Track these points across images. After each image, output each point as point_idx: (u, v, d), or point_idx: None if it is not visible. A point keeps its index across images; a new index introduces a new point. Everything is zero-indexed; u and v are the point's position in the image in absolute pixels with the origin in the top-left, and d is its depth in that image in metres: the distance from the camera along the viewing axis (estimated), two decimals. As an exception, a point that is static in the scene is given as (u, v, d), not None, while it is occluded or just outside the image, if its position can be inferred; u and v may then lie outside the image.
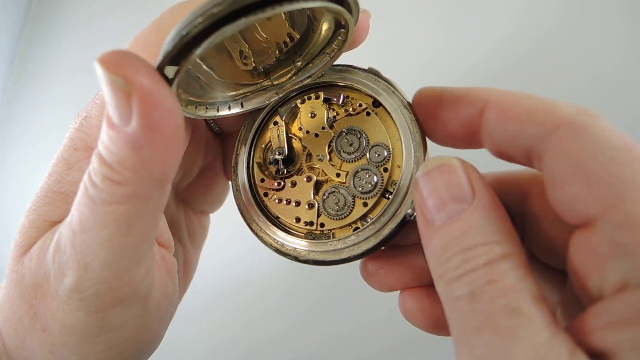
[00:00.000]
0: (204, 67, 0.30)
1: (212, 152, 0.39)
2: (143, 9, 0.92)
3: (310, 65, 0.32)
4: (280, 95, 0.33)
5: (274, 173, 0.33)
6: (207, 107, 0.31)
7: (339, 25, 0.29)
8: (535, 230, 0.28)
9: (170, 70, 0.23)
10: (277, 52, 0.32)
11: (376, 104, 0.32)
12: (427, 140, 0.30)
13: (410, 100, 0.31)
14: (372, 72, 0.33)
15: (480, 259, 0.21)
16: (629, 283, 0.20)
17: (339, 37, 0.30)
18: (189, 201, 0.40)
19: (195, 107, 0.30)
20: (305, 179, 0.32)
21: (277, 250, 0.31)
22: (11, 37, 0.93)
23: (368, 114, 0.32)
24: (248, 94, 0.33)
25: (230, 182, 0.34)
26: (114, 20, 0.90)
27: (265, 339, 0.64)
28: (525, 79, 0.65)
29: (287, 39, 0.32)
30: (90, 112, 0.27)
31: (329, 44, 0.31)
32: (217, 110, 0.32)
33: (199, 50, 0.21)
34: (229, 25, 0.21)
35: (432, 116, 0.29)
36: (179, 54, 0.22)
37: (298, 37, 0.31)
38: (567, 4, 0.68)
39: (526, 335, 0.20)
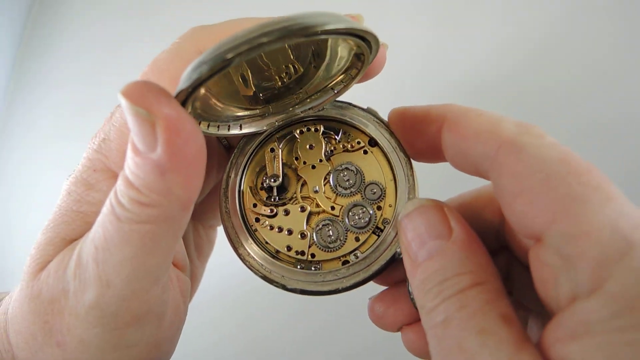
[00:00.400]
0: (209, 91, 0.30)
1: (224, 168, 0.39)
2: (144, 14, 0.90)
3: (313, 97, 0.33)
4: (279, 124, 0.34)
5: (264, 199, 0.33)
6: (209, 124, 0.31)
7: (354, 63, 0.30)
8: (514, 243, 0.30)
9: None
10: (280, 80, 0.33)
11: (372, 143, 0.34)
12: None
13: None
14: (369, 112, 0.34)
15: (453, 289, 0.23)
16: (577, 295, 0.21)
17: (349, 74, 0.31)
18: (198, 217, 0.39)
19: (200, 123, 0.30)
20: (299, 209, 0.32)
21: (264, 277, 0.31)
22: (11, 41, 0.90)
23: (365, 152, 0.33)
24: (247, 117, 0.33)
25: (219, 206, 0.33)
26: (114, 27, 0.88)
27: (260, 335, 0.64)
28: (521, 83, 0.68)
29: (292, 70, 0.32)
30: (108, 134, 0.27)
31: (336, 79, 0.32)
32: (218, 129, 0.31)
33: (210, 81, 0.23)
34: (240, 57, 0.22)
35: (402, 135, 0.31)
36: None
37: (302, 70, 0.32)
38: (565, 9, 0.72)
39: (492, 352, 0.21)
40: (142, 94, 0.21)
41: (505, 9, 0.75)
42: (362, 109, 0.34)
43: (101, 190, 0.26)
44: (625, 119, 0.64)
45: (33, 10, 0.95)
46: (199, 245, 0.40)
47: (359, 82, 0.32)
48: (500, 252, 0.32)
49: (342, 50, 0.30)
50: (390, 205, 0.32)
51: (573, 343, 0.20)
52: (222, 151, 0.37)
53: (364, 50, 0.27)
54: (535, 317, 0.31)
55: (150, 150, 0.21)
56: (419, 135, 0.30)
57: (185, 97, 0.24)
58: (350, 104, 0.34)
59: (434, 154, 0.30)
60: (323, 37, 0.23)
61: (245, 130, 0.33)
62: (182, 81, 0.23)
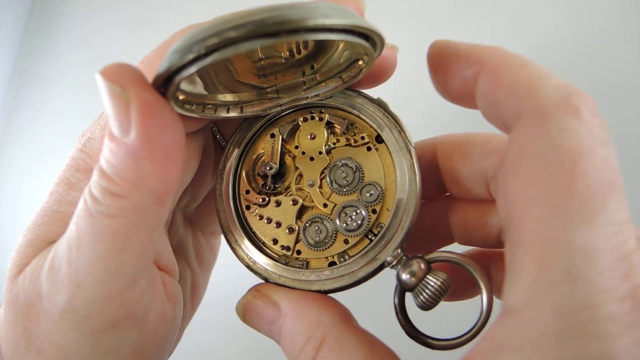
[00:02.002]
0: (208, 70, 0.28)
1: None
2: (147, 16, 0.89)
3: (322, 84, 0.31)
4: (283, 108, 0.32)
5: (259, 186, 0.32)
6: (204, 107, 0.29)
7: (360, 58, 0.28)
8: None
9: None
10: (288, 63, 0.31)
11: (379, 139, 0.31)
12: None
13: (413, 140, 0.30)
14: (380, 103, 0.31)
15: (307, 357, 0.25)
16: (507, 308, 0.20)
17: (358, 65, 0.29)
18: (197, 223, 0.39)
19: (192, 106, 0.28)
20: (291, 202, 0.31)
21: (248, 267, 0.30)
22: (13, 43, 0.92)
23: (369, 149, 0.31)
24: (250, 100, 0.32)
25: (214, 187, 0.32)
26: (118, 33, 0.87)
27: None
28: None
29: (299, 54, 0.30)
30: (93, 133, 0.27)
31: (346, 69, 0.30)
32: (215, 112, 0.30)
33: (192, 70, 0.21)
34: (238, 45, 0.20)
35: (438, 71, 0.28)
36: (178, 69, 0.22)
37: (312, 49, 0.30)
38: (568, 9, 0.67)
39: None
40: (118, 73, 0.20)
41: (508, 11, 0.71)
42: (372, 100, 0.31)
43: (82, 190, 0.25)
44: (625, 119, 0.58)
45: (34, 11, 0.95)
46: (200, 254, 0.39)
47: (367, 86, 0.30)
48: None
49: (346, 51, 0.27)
50: (387, 210, 0.30)
51: None
52: (219, 150, 0.36)
53: (368, 52, 0.25)
54: None
55: (124, 134, 0.21)
56: (455, 75, 0.26)
57: (166, 82, 0.23)
58: (360, 92, 0.32)
59: (466, 98, 0.26)
60: (308, 36, 0.20)
61: (247, 113, 0.32)
62: (161, 66, 0.22)
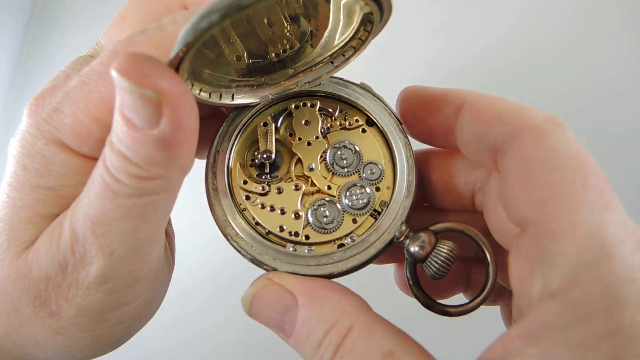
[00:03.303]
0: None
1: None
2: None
3: (311, 70, 0.31)
4: (273, 97, 0.32)
5: (254, 176, 0.31)
6: (200, 90, 0.28)
7: (357, 33, 0.28)
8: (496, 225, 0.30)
9: None
10: (275, 51, 0.31)
11: (370, 122, 0.32)
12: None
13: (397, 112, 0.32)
14: (364, 87, 0.32)
15: (331, 347, 0.24)
16: (547, 294, 0.21)
17: (351, 46, 0.29)
18: None
19: (192, 87, 0.27)
20: (293, 187, 0.30)
21: (254, 260, 0.29)
22: (14, 46, 0.88)
23: (364, 130, 0.32)
24: (240, 87, 0.31)
25: (205, 182, 0.31)
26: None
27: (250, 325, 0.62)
28: (520, 83, 0.68)
29: (287, 41, 0.30)
30: (61, 105, 0.25)
31: (337, 50, 0.30)
32: (210, 96, 0.29)
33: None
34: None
35: (413, 113, 0.30)
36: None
37: (298, 44, 0.30)
38: (565, 9, 0.72)
39: None
40: (143, 72, 0.20)
41: (504, 11, 0.76)
42: (356, 85, 0.32)
43: (61, 164, 0.25)
44: (624, 118, 0.65)
45: (34, 15, 0.91)
46: None
47: None
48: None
49: (347, 15, 0.28)
50: (388, 188, 0.30)
51: (532, 347, 0.20)
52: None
53: (374, 13, 0.26)
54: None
55: (152, 127, 0.20)
56: (432, 116, 0.29)
57: (180, 60, 0.23)
58: (346, 80, 0.33)
59: (445, 137, 0.29)
60: None
61: (237, 101, 0.31)
62: (178, 42, 0.21)
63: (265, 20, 0.29)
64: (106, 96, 0.24)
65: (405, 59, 0.73)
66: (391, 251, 0.30)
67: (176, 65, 0.23)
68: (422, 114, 0.30)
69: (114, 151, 0.22)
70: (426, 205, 0.35)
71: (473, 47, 0.73)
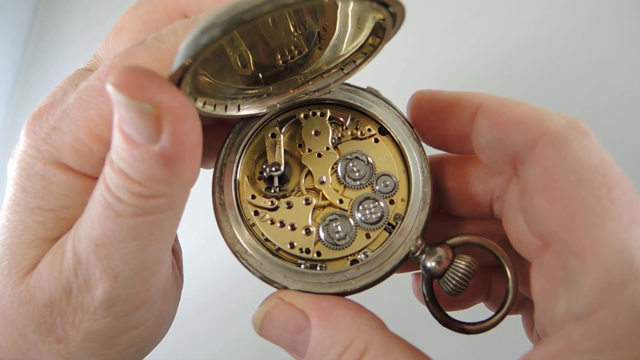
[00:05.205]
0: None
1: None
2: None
3: (320, 78, 0.30)
4: (281, 106, 0.30)
5: (263, 189, 0.30)
6: (204, 103, 0.27)
7: (368, 41, 0.27)
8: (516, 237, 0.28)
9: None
10: (282, 59, 0.29)
11: (382, 131, 0.31)
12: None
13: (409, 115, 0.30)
14: (370, 91, 0.31)
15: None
16: (571, 315, 0.20)
17: (362, 52, 0.28)
18: None
19: (195, 101, 0.26)
20: (303, 201, 0.29)
21: (264, 277, 0.28)
22: (16, 49, 0.88)
23: (376, 140, 0.30)
24: (246, 98, 0.30)
25: (212, 197, 0.29)
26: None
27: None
28: (536, 89, 0.66)
29: (295, 47, 0.29)
30: (60, 123, 0.24)
31: (347, 57, 0.29)
32: (214, 109, 0.28)
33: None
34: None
35: (425, 118, 0.29)
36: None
37: (306, 49, 0.29)
38: (572, 14, 0.70)
39: None
40: (141, 86, 0.19)
41: (510, 16, 0.74)
42: (362, 89, 0.31)
43: (61, 185, 0.24)
44: (624, 118, 0.63)
45: (36, 19, 0.90)
46: None
47: None
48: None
49: (357, 21, 0.27)
50: (402, 200, 0.29)
51: None
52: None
53: (387, 19, 0.24)
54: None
55: (152, 143, 0.20)
56: (446, 122, 0.27)
57: (181, 75, 0.22)
58: (356, 86, 0.31)
59: (460, 143, 0.28)
60: None
61: (243, 112, 0.29)
62: (178, 57, 0.20)
63: (272, 28, 0.28)
64: (105, 113, 0.23)
65: (413, 62, 0.71)
66: (409, 260, 0.28)
67: (177, 80, 0.22)
68: (435, 119, 0.29)
69: (114, 169, 0.21)
70: (442, 212, 0.33)
71: (487, 53, 0.71)
